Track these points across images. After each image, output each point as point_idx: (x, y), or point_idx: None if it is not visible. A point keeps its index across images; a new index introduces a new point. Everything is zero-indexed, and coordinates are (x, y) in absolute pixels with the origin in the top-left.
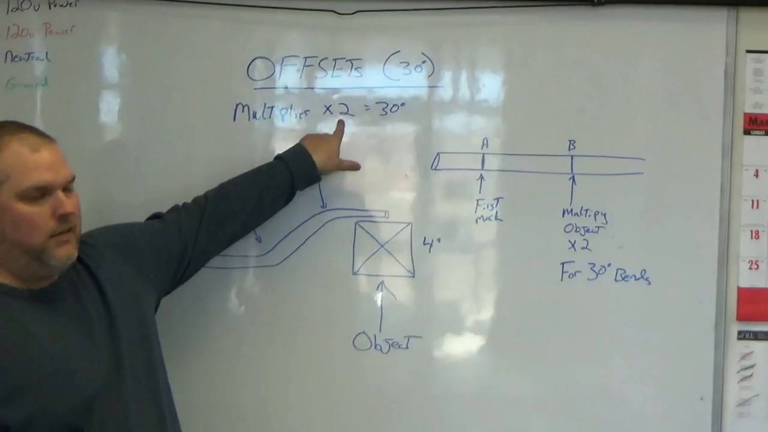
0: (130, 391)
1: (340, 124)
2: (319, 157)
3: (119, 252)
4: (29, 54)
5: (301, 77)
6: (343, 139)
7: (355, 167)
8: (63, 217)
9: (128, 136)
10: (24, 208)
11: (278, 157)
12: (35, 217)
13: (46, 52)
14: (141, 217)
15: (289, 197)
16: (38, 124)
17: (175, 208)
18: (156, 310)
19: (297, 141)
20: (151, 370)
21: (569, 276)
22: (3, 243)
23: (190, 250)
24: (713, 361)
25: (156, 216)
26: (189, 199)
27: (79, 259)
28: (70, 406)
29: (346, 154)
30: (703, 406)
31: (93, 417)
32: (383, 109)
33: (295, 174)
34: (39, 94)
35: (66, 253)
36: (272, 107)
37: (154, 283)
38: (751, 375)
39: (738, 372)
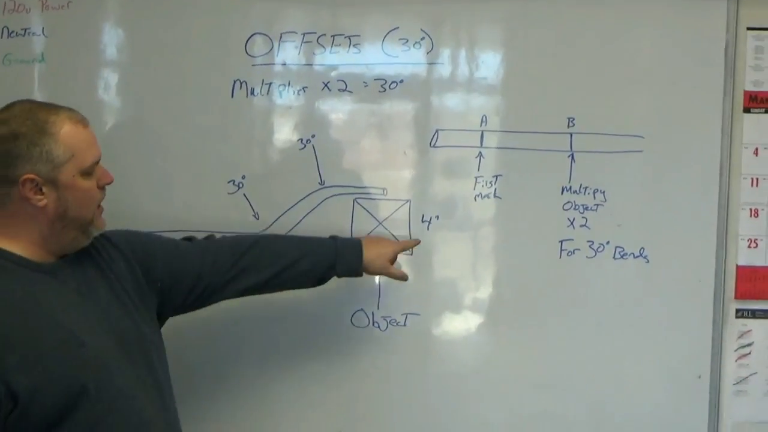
0: (131, 374)
1: (414, 242)
2: (368, 253)
3: (134, 253)
4: (26, 30)
5: (299, 53)
6: (342, 116)
7: (403, 278)
8: (105, 186)
9: (125, 113)
10: (86, 183)
11: (332, 237)
12: (92, 191)
13: (43, 28)
14: (137, 192)
15: (323, 278)
16: (36, 99)
17: (210, 237)
18: (162, 322)
19: (295, 117)
20: (148, 365)
21: (568, 254)
22: (62, 220)
23: (206, 281)
24: (711, 339)
25: (188, 238)
26: (185, 176)
27: (93, 246)
28: (78, 375)
29: (343, 130)
30: (700, 384)
31: (100, 388)
32: (382, 86)
33: (340, 256)
34: (36, 70)
35: (103, 222)
36: (270, 84)
37: (160, 292)
38: (749, 353)
39: (736, 350)
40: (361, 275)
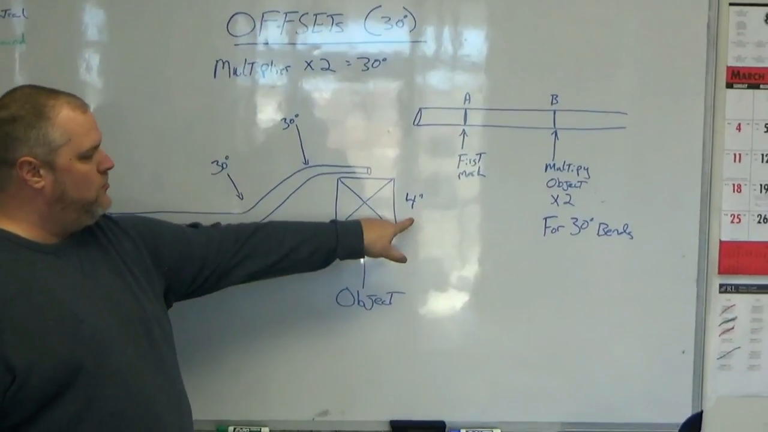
0: (132, 353)
1: (409, 221)
2: (369, 236)
3: (141, 236)
4: (6, 11)
5: (281, 33)
6: (325, 95)
7: (402, 259)
8: (106, 171)
9: (107, 94)
10: (84, 167)
11: (332, 221)
12: (91, 174)
13: (23, 9)
14: (119, 174)
15: (326, 261)
16: (17, 82)
17: (216, 225)
18: (167, 307)
19: (278, 97)
20: (151, 343)
21: (552, 231)
22: (60, 202)
23: (211, 267)
24: (695, 314)
25: (194, 225)
26: (168, 157)
27: (99, 227)
28: (75, 352)
29: (327, 109)
30: (684, 359)
31: (98, 365)
32: (365, 65)
33: (341, 239)
34: (17, 52)
35: (108, 201)
36: (253, 63)
37: (166, 276)
38: (733, 328)
39: (719, 325)
40: (363, 257)
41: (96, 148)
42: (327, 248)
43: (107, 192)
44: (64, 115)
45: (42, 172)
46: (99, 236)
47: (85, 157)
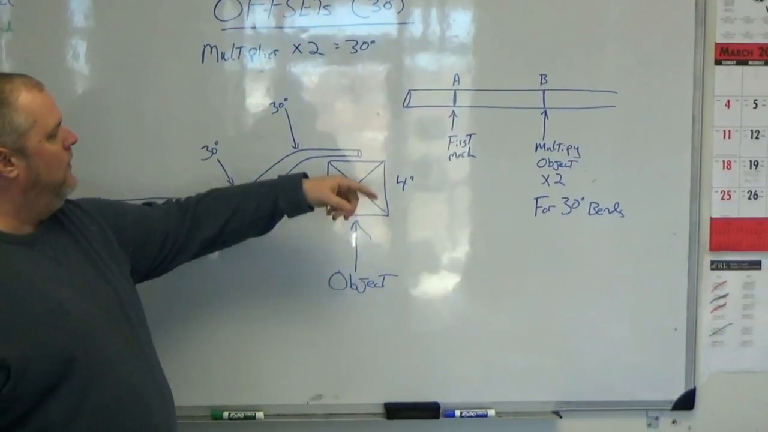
0: (117, 340)
1: (368, 193)
2: (308, 183)
3: (105, 219)
4: None
5: (269, 17)
6: (314, 78)
7: (345, 207)
8: (69, 147)
9: (95, 80)
10: (52, 147)
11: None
12: (60, 154)
13: None
14: (109, 161)
15: (272, 216)
16: (4, 70)
17: (168, 201)
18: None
19: (267, 81)
20: (131, 328)
21: (543, 211)
22: (34, 187)
23: (171, 241)
24: (687, 291)
25: (148, 204)
26: (158, 143)
27: (63, 213)
28: (66, 344)
29: (316, 93)
30: (676, 336)
31: (88, 356)
32: (353, 48)
33: (281, 189)
34: (3, 40)
35: (75, 180)
36: (241, 48)
37: (132, 256)
38: (724, 304)
39: (711, 302)
40: (305, 208)
41: (59, 125)
42: (269, 199)
43: (72, 172)
44: (24, 97)
45: (14, 160)
46: (64, 222)
47: (52, 136)
